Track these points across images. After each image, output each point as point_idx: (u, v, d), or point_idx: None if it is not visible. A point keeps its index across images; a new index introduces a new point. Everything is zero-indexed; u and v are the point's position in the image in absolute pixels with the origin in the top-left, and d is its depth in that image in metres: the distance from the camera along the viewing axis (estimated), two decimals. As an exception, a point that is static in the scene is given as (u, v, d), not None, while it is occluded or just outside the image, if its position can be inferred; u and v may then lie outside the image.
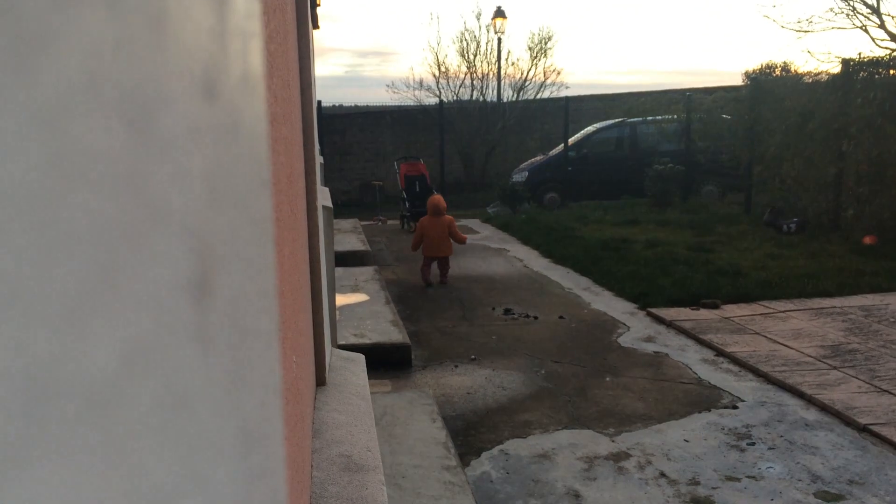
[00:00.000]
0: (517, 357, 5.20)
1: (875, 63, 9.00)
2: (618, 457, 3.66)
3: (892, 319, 5.74)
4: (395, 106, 17.50)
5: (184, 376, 0.28)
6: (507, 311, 6.34)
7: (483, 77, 17.28)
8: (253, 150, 0.47)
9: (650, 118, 13.82)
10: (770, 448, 3.72)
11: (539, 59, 17.45)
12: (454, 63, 18.12)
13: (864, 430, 3.85)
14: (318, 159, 3.84)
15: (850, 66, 9.12)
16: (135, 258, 0.23)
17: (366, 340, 5.04)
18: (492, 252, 9.13)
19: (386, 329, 5.35)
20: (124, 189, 0.23)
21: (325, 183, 9.21)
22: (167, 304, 0.26)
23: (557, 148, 14.29)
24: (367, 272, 7.33)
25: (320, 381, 2.75)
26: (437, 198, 7.77)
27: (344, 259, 7.87)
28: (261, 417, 0.43)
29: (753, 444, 3.78)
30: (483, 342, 5.55)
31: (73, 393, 0.19)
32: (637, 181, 12.78)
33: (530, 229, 10.24)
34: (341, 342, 4.66)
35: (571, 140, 14.01)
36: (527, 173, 13.87)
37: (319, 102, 13.58)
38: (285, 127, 1.72)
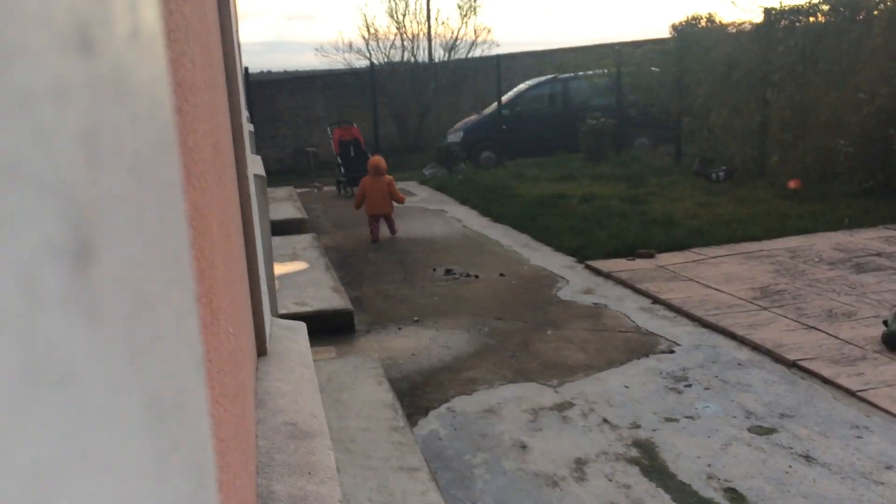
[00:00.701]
0: (460, 316, 5.24)
1: (796, 11, 9.22)
2: (562, 407, 3.75)
3: (816, 260, 5.99)
4: (325, 70, 17.16)
5: (60, 347, 0.26)
6: (448, 272, 6.37)
7: (413, 37, 17.09)
8: (152, 113, 0.44)
9: (581, 73, 13.90)
10: (706, 388, 3.87)
11: (469, 18, 17.34)
12: (383, 24, 17.85)
13: (793, 365, 4.03)
14: (248, 127, 3.74)
15: (772, 15, 9.33)
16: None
17: (307, 308, 5.00)
18: (430, 214, 9.12)
19: (327, 296, 5.32)
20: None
21: (257, 151, 9.00)
22: (31, 271, 0.24)
23: (491, 107, 14.28)
24: (305, 240, 7.25)
25: (261, 351, 2.72)
26: (378, 158, 8.03)
27: (281, 228, 7.75)
28: (175, 389, 0.41)
29: (690, 385, 3.92)
30: (425, 303, 5.58)
31: None
32: (571, 137, 12.90)
33: (468, 189, 10.27)
34: (283, 311, 4.60)
35: (504, 98, 14.02)
36: (462, 133, 13.83)
37: (246, 69, 13.20)
38: (207, 93, 1.66)
